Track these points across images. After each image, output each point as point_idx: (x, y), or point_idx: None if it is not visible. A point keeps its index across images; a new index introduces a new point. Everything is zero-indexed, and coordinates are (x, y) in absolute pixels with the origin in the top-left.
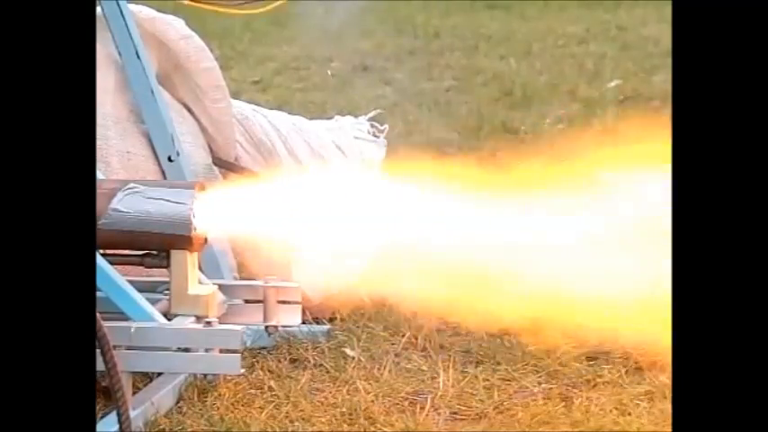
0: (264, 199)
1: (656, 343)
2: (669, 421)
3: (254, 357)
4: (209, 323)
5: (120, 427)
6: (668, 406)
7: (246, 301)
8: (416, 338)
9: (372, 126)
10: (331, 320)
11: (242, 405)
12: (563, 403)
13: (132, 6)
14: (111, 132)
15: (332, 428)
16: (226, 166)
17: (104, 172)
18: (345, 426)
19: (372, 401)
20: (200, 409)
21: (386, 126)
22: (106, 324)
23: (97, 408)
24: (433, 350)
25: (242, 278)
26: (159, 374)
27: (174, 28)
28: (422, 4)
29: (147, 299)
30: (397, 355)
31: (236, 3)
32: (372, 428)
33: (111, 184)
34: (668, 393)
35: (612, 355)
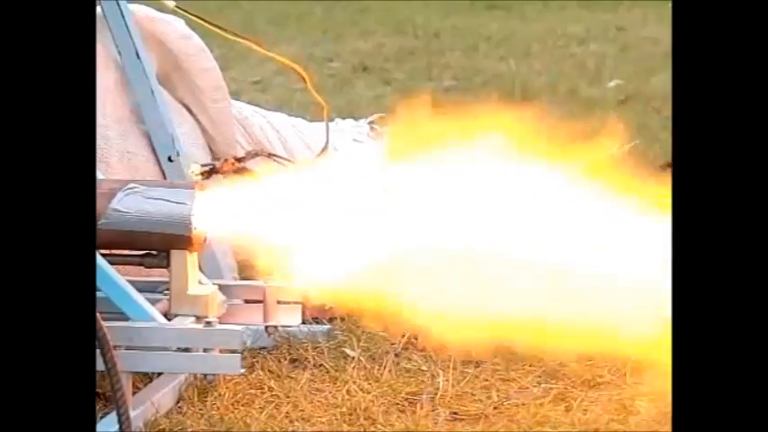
0: (264, 199)
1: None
2: (669, 421)
3: (254, 357)
4: (209, 323)
5: (120, 427)
6: (668, 406)
7: (246, 301)
8: (416, 338)
9: (372, 129)
10: (331, 320)
11: (242, 405)
12: (563, 403)
13: (132, 6)
14: (112, 132)
15: (332, 428)
16: None
17: (104, 172)
18: (345, 426)
19: (372, 401)
20: (201, 409)
21: (386, 129)
22: (106, 324)
23: (97, 408)
24: (432, 350)
25: (242, 278)
26: (159, 374)
27: (174, 28)
28: (422, 4)
29: (147, 299)
30: (397, 355)
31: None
32: (372, 428)
33: (111, 184)
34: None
35: (612, 355)
